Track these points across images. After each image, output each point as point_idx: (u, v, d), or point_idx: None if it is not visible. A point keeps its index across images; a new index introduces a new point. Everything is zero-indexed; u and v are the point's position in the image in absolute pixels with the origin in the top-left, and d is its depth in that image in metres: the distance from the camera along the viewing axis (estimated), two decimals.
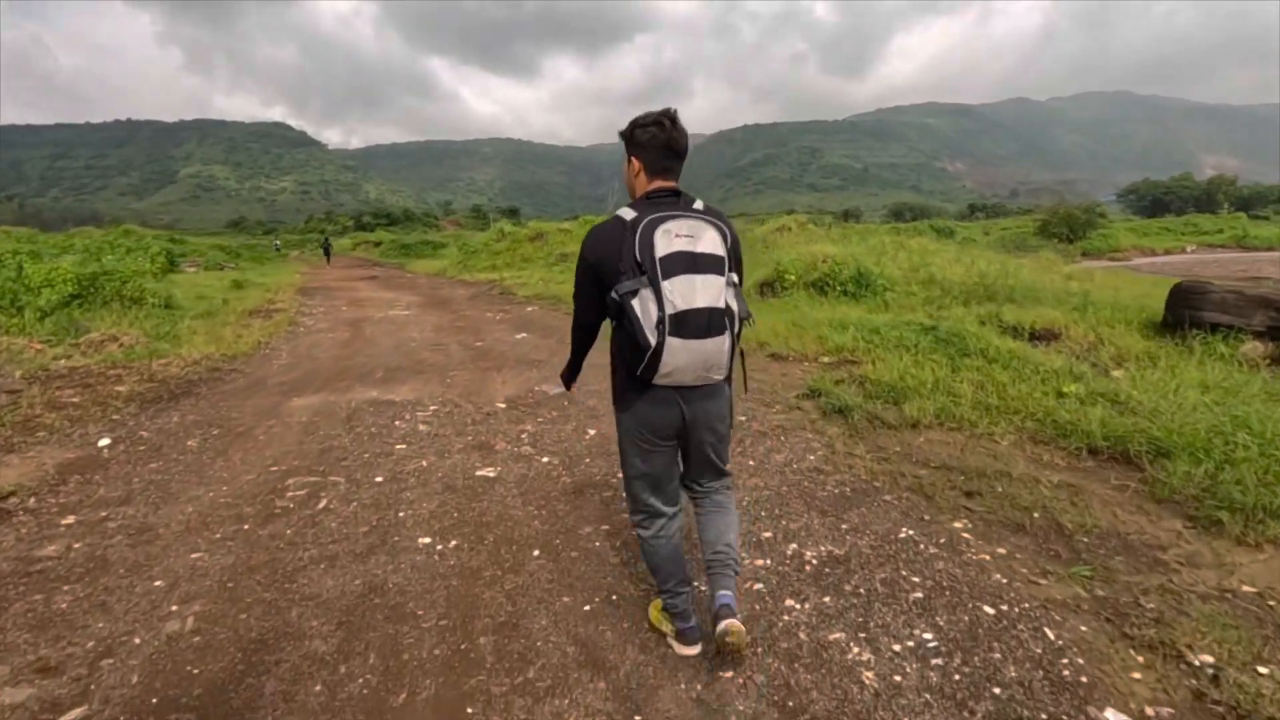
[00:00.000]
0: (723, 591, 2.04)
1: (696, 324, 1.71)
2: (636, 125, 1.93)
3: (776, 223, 18.66)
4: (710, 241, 1.77)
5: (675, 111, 1.93)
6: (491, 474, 3.63)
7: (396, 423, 4.51)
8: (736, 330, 1.81)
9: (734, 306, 1.79)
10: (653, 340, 1.71)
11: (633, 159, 1.95)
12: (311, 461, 3.82)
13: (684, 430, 1.94)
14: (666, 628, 2.18)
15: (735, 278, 1.84)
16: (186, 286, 12.94)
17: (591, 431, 4.36)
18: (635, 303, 1.72)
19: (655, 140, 1.90)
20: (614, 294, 1.77)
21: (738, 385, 2.11)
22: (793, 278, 9.65)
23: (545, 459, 3.87)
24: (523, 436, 4.26)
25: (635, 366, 1.79)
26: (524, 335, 8.12)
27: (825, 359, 6.28)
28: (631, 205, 1.91)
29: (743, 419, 4.57)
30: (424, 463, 3.79)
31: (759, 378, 5.76)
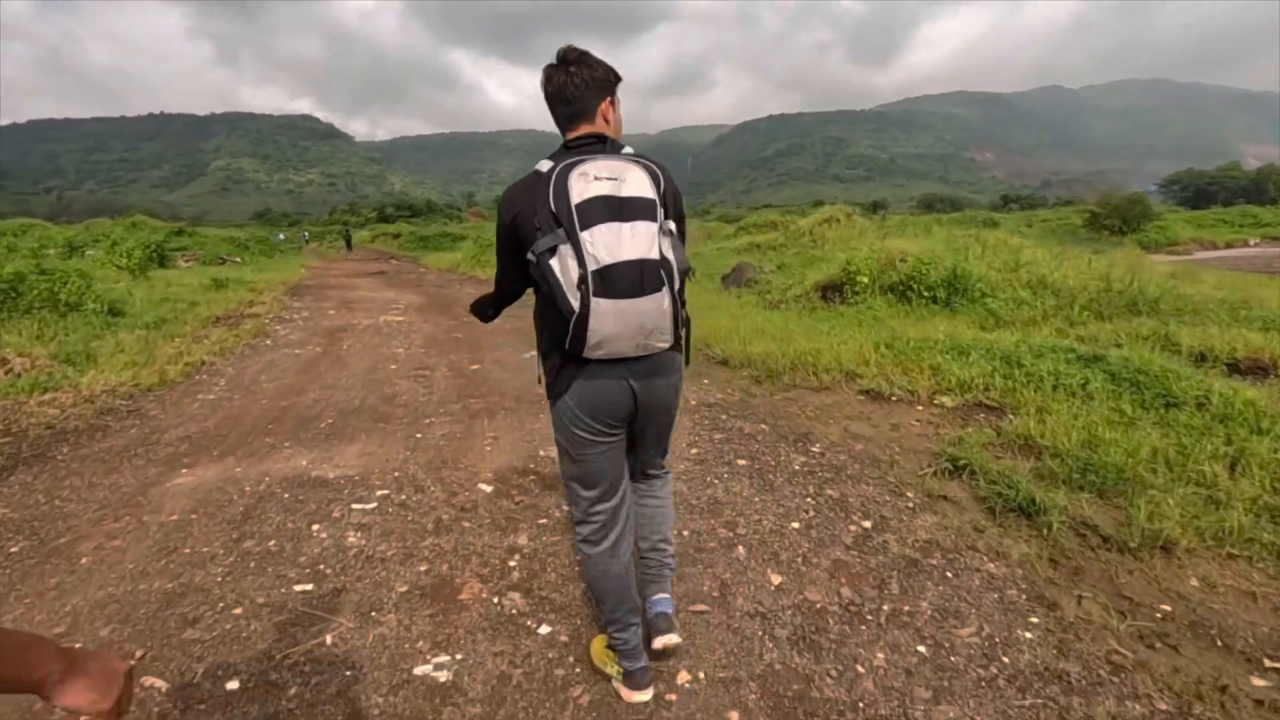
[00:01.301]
0: (660, 595, 1.94)
1: (626, 280, 1.44)
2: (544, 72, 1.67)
3: (822, 214, 16.76)
4: (637, 183, 1.50)
5: (568, 50, 1.66)
6: (446, 676, 1.95)
7: (315, 527, 2.84)
8: (678, 286, 1.53)
9: (670, 258, 1.51)
10: (575, 304, 1.44)
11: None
12: (137, 626, 2.16)
13: (635, 414, 1.68)
14: (612, 669, 1.90)
15: (672, 226, 1.55)
16: (162, 286, 11.47)
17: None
18: (554, 262, 1.46)
19: (548, 88, 1.66)
20: (530, 255, 1.51)
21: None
22: (865, 280, 7.84)
23: (545, 629, 2.17)
24: (511, 566, 2.56)
25: (562, 339, 1.51)
26: (533, 354, 6.42)
27: (947, 401, 4.50)
28: (551, 156, 1.61)
29: (867, 525, 2.84)
30: (328, 639, 2.11)
31: (856, 428, 4.01)
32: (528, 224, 1.54)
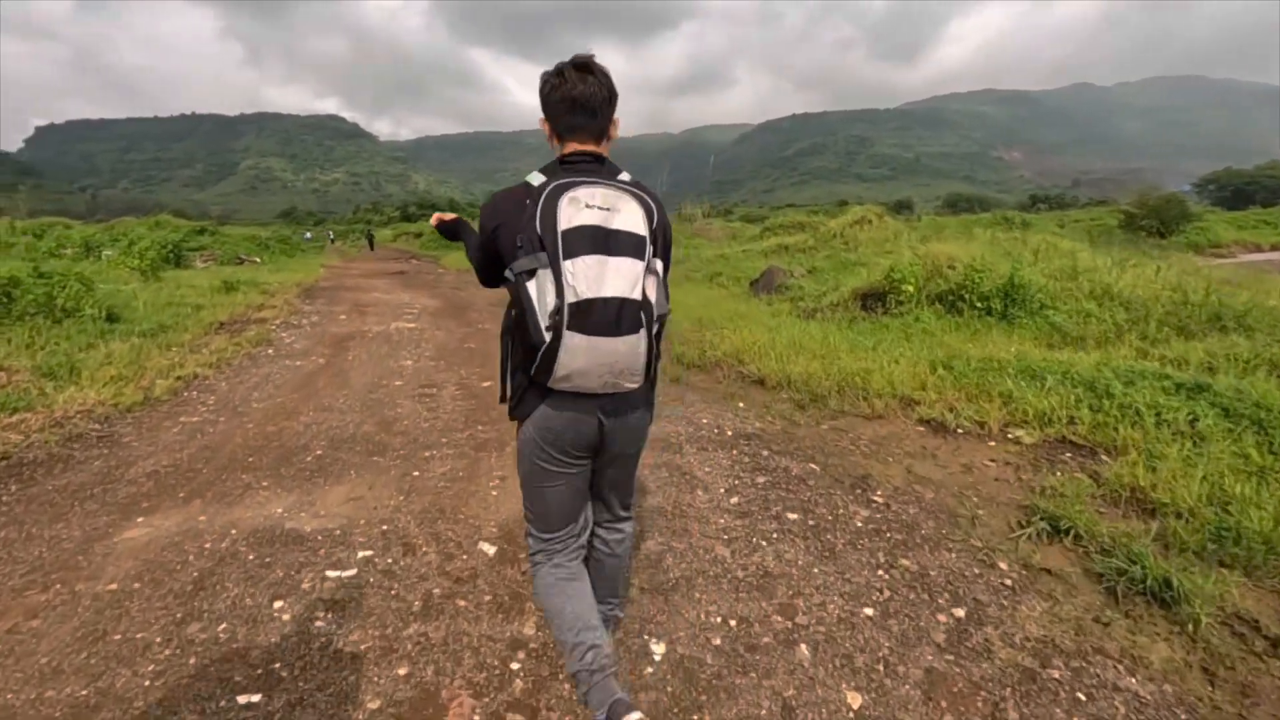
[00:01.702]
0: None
1: (603, 318, 1.38)
2: (543, 78, 1.57)
3: (853, 215, 16.06)
4: (630, 216, 1.43)
5: (588, 57, 1.56)
6: None
7: (279, 604, 2.32)
8: (656, 330, 1.47)
9: (652, 299, 1.45)
10: (545, 334, 1.38)
11: (542, 120, 1.62)
12: None
13: (600, 447, 1.62)
14: None
15: (659, 266, 1.51)
16: (171, 288, 11.14)
17: (658, 650, 2.12)
18: (531, 285, 1.41)
19: (556, 94, 1.55)
20: (508, 273, 1.45)
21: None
22: (911, 288, 7.20)
23: None
24: (513, 670, 2.02)
25: (527, 365, 1.46)
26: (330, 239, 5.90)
27: (1024, 436, 3.89)
28: (543, 170, 1.55)
29: (960, 614, 2.26)
30: None
31: (922, 469, 3.42)
32: (509, 238, 1.48)
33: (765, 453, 3.81)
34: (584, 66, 1.55)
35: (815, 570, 2.56)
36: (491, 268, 1.64)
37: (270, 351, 6.92)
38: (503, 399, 1.65)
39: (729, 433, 4.16)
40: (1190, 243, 32.73)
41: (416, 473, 3.50)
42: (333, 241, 46.10)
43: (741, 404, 4.84)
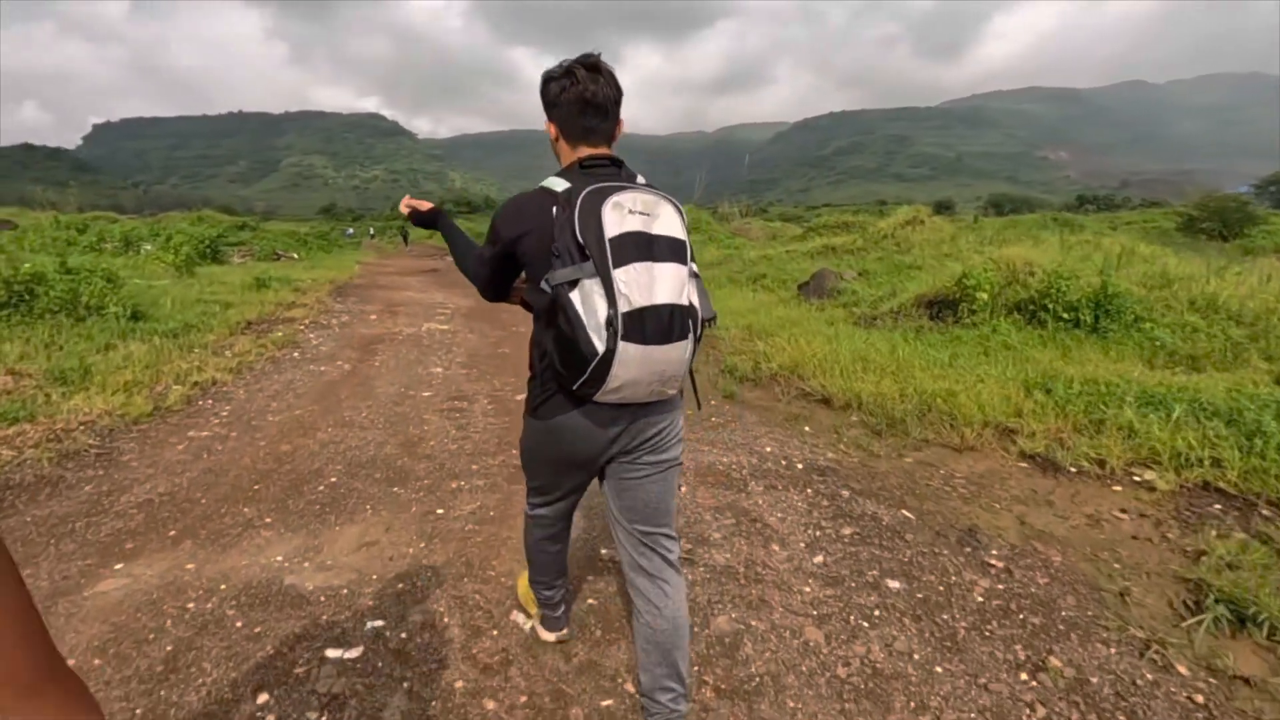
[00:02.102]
0: None
1: (657, 325, 1.32)
2: (547, 79, 1.51)
3: (904, 214, 15.26)
4: (669, 221, 1.39)
5: (596, 56, 1.51)
6: None
7: (263, 698, 1.85)
8: (699, 334, 1.44)
9: (696, 304, 1.42)
10: (599, 346, 1.30)
11: (548, 122, 1.55)
12: None
13: (614, 451, 1.54)
14: (533, 610, 2.11)
15: (695, 268, 1.45)
16: (202, 284, 10.95)
17: None
18: (575, 296, 1.32)
19: (567, 94, 1.48)
20: (544, 285, 1.34)
21: (689, 399, 1.86)
22: (985, 296, 6.53)
23: None
24: None
25: (572, 379, 1.37)
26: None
27: (1157, 480, 3.26)
28: (561, 175, 1.48)
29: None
30: None
31: (1039, 521, 2.82)
32: (539, 248, 1.43)
33: (845, 493, 3.25)
34: (594, 66, 1.49)
35: (938, 670, 2.01)
36: (505, 280, 1.61)
37: (295, 355, 6.56)
38: (531, 413, 1.59)
39: (799, 465, 3.60)
40: (1256, 246, 30.96)
41: (441, 510, 3.02)
42: (371, 237, 46.85)
43: (807, 428, 4.28)
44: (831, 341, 6.25)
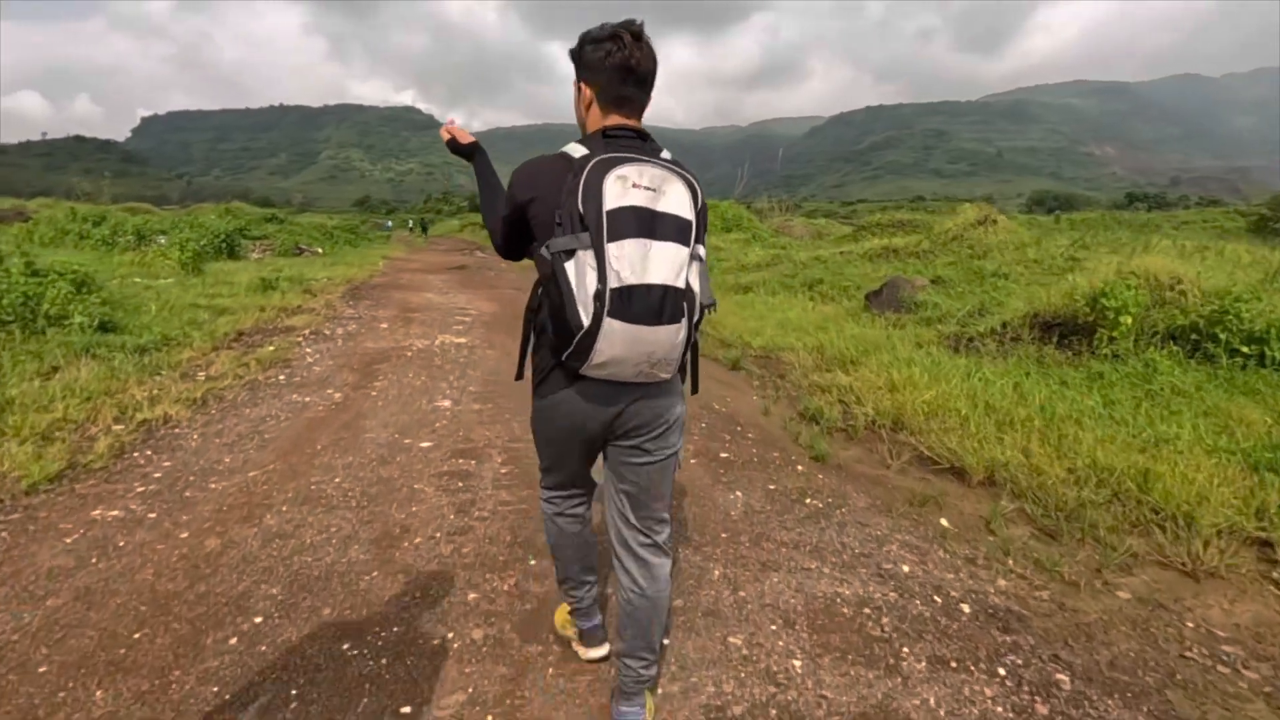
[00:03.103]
0: (628, 709, 1.69)
1: (646, 305, 1.31)
2: (587, 40, 1.47)
3: (970, 213, 13.75)
4: (677, 199, 1.36)
5: (640, 24, 1.46)
6: None
7: None
8: (696, 319, 1.42)
9: (695, 288, 1.40)
10: (585, 319, 1.31)
11: (582, 85, 1.51)
12: None
13: (613, 432, 1.55)
14: (570, 631, 2.02)
15: (701, 251, 1.43)
16: (203, 285, 10.02)
17: None
18: (570, 266, 1.32)
19: (611, 60, 1.43)
20: (544, 251, 1.37)
21: (687, 387, 1.64)
22: (1128, 320, 5.18)
23: None
24: None
25: (560, 349, 1.40)
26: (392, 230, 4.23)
27: None
28: (583, 141, 1.47)
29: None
30: None
31: None
32: (544, 214, 1.43)
33: (1063, 678, 2.01)
34: (638, 34, 1.45)
35: None
36: (518, 240, 1.58)
37: (281, 378, 5.50)
38: (518, 377, 1.68)
39: (964, 608, 2.36)
40: None
41: (408, 709, 1.85)
42: (410, 229, 48.02)
43: (945, 520, 3.03)
44: (933, 375, 4.97)
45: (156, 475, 3.41)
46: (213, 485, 3.30)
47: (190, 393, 4.77)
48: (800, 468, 3.70)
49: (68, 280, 6.53)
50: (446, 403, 4.89)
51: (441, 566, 2.58)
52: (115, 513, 2.98)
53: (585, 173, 1.31)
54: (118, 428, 4.03)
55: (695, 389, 1.65)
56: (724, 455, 3.87)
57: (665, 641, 2.08)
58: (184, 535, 2.78)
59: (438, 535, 2.83)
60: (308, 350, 6.58)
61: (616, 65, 1.43)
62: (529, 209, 1.47)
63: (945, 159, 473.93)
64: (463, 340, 7.36)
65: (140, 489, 3.24)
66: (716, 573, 2.54)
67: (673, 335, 1.35)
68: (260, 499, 3.15)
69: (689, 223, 1.36)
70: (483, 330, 8.10)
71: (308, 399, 4.91)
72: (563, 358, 1.40)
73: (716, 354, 6.62)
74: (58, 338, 5.68)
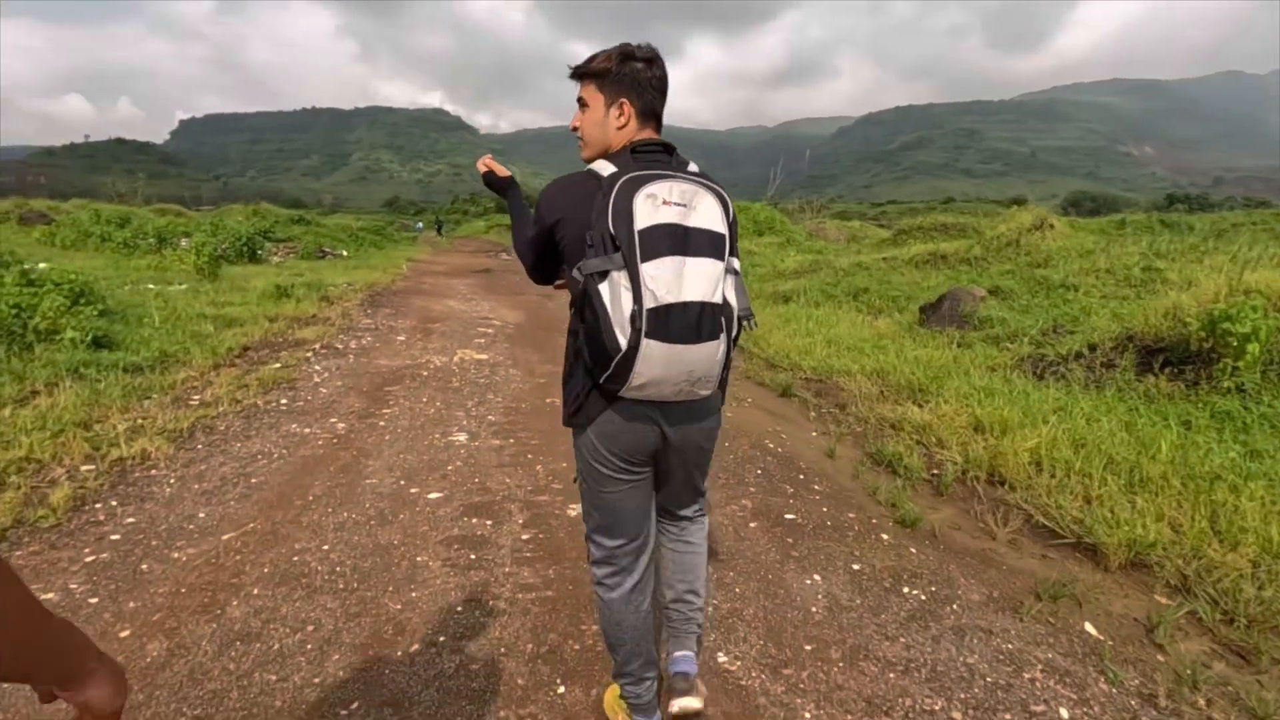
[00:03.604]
0: (682, 653, 1.76)
1: (683, 323, 1.28)
2: (625, 56, 1.45)
3: (1024, 216, 12.85)
4: (708, 213, 1.34)
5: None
6: None
7: None
8: (735, 333, 1.40)
9: (733, 302, 1.38)
10: (623, 341, 1.28)
11: (623, 103, 1.46)
12: None
13: (663, 453, 1.54)
14: (622, 718, 1.77)
15: (736, 263, 1.40)
16: (221, 290, 9.62)
17: None
18: (604, 288, 1.29)
19: (646, 74, 1.45)
20: (576, 273, 1.33)
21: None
22: (1255, 349, 4.42)
23: None
24: None
25: (598, 373, 1.36)
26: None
27: None
28: (610, 159, 1.42)
29: None
30: None
31: None
32: (574, 235, 1.40)
33: None
34: (651, 54, 1.48)
35: None
36: (548, 263, 1.56)
37: (283, 403, 4.96)
38: (567, 421, 1.57)
39: None
40: None
41: None
42: (440, 231, 49.30)
43: (1090, 626, 2.35)
44: (1024, 410, 4.26)
45: (114, 538, 2.86)
46: (176, 554, 2.73)
47: (178, 422, 4.24)
48: (886, 536, 3.03)
49: (64, 290, 6.09)
50: (462, 436, 4.31)
51: (442, 694, 1.96)
52: (49, 596, 2.42)
53: (614, 192, 1.29)
54: (86, 468, 3.51)
55: (721, 400, 1.61)
56: (789, 517, 3.21)
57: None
58: (124, 634, 2.21)
59: (440, 640, 2.21)
60: (316, 368, 6.06)
61: (655, 80, 1.46)
62: (557, 230, 1.45)
63: (977, 159, 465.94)
64: (484, 357, 6.79)
65: (90, 557, 2.69)
66: (808, 715, 1.89)
67: (712, 352, 1.33)
68: (229, 575, 2.57)
69: (722, 236, 1.34)
70: (506, 344, 7.54)
71: (308, 430, 4.35)
72: (601, 380, 1.36)
73: (763, 377, 5.96)
74: (46, 355, 5.23)
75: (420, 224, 55.43)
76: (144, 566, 2.63)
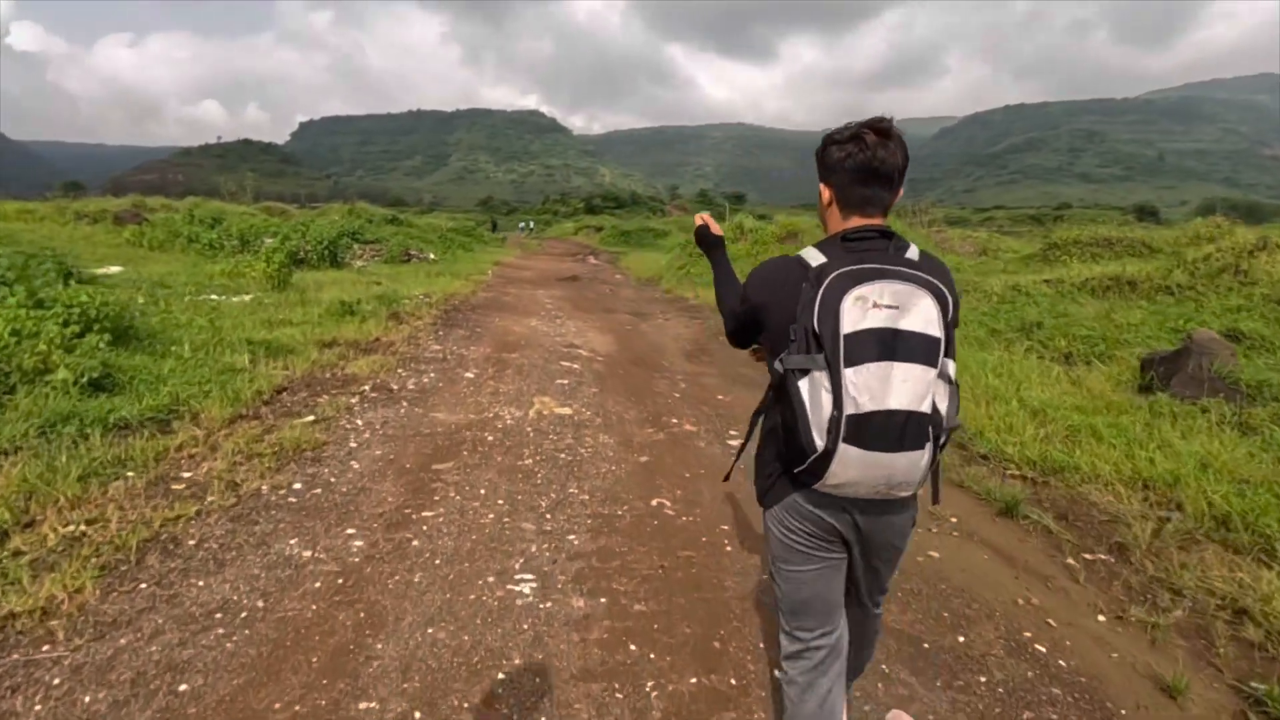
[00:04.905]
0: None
1: (886, 432, 1.21)
2: (830, 141, 1.41)
3: (1242, 236, 10.24)
4: (923, 315, 1.23)
5: (889, 122, 1.35)
6: None
7: None
8: (942, 442, 1.28)
9: (943, 410, 1.25)
10: (820, 443, 1.23)
11: (822, 186, 1.44)
12: None
13: (853, 542, 1.44)
14: None
15: (951, 368, 1.27)
16: (284, 304, 8.65)
17: None
18: (804, 385, 1.25)
19: (851, 161, 1.35)
20: (778, 364, 1.32)
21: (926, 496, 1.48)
22: None
23: None
24: None
25: (792, 465, 1.33)
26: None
27: None
28: (821, 246, 1.36)
29: None
30: None
31: None
32: (777, 320, 1.37)
33: None
34: (885, 131, 1.34)
35: None
36: (748, 334, 1.55)
37: (295, 488, 3.64)
38: (726, 478, 1.70)
39: None
40: None
41: None
42: (532, 230, 50.79)
43: None
44: None
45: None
46: None
47: (133, 534, 2.95)
48: None
49: (77, 314, 5.06)
50: (528, 585, 2.79)
51: None
52: None
53: (823, 290, 1.25)
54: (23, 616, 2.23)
55: (936, 499, 1.51)
56: None
57: None
58: None
59: None
60: (357, 423, 4.75)
61: (857, 166, 1.36)
62: (762, 312, 1.44)
63: (1095, 162, 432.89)
64: (567, 411, 5.31)
65: None
66: None
67: (915, 460, 1.25)
68: None
69: (937, 340, 1.24)
70: (594, 388, 6.05)
71: (308, 553, 2.96)
72: (794, 471, 1.33)
73: (962, 474, 4.16)
74: (27, 403, 4.13)
75: (531, 223, 56.87)
76: None
